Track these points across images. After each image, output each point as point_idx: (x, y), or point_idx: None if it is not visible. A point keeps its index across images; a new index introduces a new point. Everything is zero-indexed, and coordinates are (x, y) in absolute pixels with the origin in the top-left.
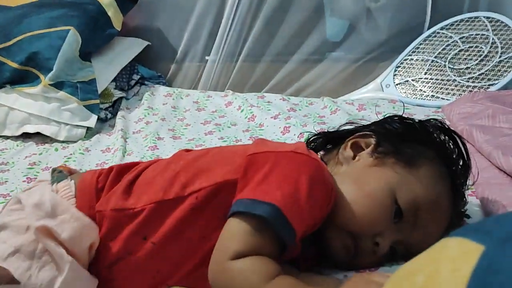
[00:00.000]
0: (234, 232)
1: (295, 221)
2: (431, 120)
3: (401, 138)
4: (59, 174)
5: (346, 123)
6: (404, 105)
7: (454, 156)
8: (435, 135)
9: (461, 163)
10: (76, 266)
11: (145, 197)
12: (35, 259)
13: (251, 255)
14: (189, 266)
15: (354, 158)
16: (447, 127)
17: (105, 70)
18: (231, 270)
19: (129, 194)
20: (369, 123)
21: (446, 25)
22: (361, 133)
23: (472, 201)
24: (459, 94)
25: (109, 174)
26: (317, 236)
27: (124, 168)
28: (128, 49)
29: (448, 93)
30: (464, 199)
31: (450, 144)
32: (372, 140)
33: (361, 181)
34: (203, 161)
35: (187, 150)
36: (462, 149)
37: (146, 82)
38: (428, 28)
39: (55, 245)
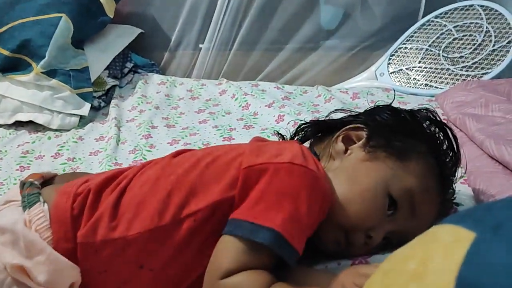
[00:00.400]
0: (229, 251)
1: (296, 242)
2: (422, 110)
3: (391, 130)
4: (30, 191)
5: (336, 110)
6: (395, 94)
7: (444, 148)
8: (425, 127)
9: (450, 154)
10: None
11: (137, 223)
12: None
13: (243, 271)
14: (187, 282)
15: (346, 151)
16: (437, 118)
17: (98, 58)
18: None
19: (117, 220)
20: (359, 112)
21: (441, 14)
22: (352, 125)
23: (464, 189)
24: (453, 83)
25: (87, 197)
26: None
27: (102, 185)
28: (121, 37)
29: (442, 82)
30: (452, 189)
31: (440, 135)
32: (364, 134)
33: (354, 178)
34: (195, 176)
35: (175, 155)
36: (452, 140)
37: (139, 70)
38: (423, 17)
39: (33, 283)
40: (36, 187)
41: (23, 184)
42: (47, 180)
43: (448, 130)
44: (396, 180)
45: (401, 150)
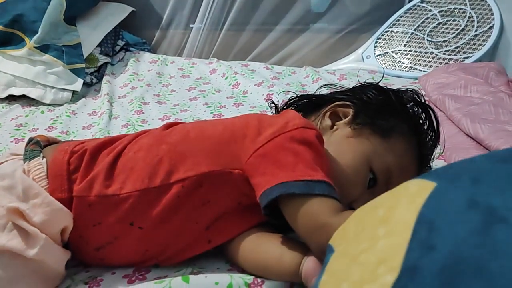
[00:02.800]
0: (313, 209)
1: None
2: (408, 91)
3: (377, 109)
4: (34, 147)
5: (324, 85)
6: (383, 75)
7: (425, 128)
8: (409, 107)
9: (431, 135)
10: (49, 243)
11: (129, 184)
12: (5, 232)
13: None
14: (178, 246)
15: (332, 127)
16: (422, 100)
17: (90, 35)
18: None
19: (112, 180)
20: (347, 88)
21: None
22: (339, 102)
23: (441, 164)
24: (436, 66)
25: (83, 155)
26: None
27: (99, 147)
28: (113, 15)
29: (426, 65)
30: (429, 166)
31: (423, 115)
32: (350, 111)
33: (340, 153)
34: (185, 147)
35: (167, 127)
36: (434, 122)
37: (131, 48)
38: (409, 1)
39: (28, 225)
40: (39, 146)
41: (29, 141)
42: (51, 144)
43: (431, 112)
44: (378, 157)
45: (385, 128)
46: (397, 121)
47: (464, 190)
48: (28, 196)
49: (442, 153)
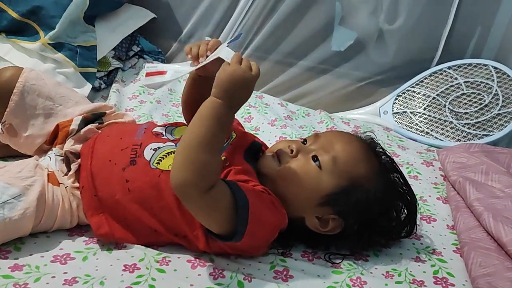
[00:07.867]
0: None
1: None
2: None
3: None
4: None
5: None
6: (395, 136)
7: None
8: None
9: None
10: None
11: None
12: None
13: None
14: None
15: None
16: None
17: (107, 37)
18: None
19: None
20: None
21: (454, 65)
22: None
23: (456, 259)
24: (453, 137)
25: None
26: None
27: None
28: (133, 19)
29: (442, 134)
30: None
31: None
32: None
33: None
34: None
35: None
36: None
37: (145, 56)
38: (437, 64)
39: None
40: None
41: None
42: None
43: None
44: None
45: None
46: None
47: None
48: None
49: (457, 244)
